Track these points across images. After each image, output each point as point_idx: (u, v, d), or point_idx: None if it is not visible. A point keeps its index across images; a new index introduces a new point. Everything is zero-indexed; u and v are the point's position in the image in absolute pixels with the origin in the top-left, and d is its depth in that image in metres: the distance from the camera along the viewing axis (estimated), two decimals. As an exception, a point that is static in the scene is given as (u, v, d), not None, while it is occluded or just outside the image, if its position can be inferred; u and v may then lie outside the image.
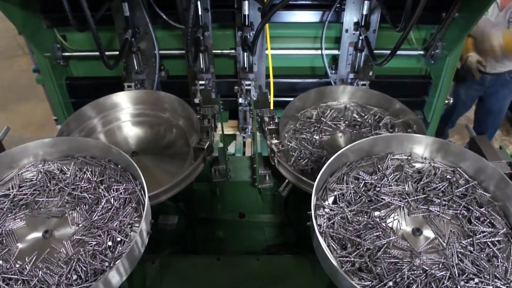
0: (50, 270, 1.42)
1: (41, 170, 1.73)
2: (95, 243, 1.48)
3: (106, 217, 1.55)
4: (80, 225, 1.55)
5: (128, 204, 1.59)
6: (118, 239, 1.48)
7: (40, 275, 1.40)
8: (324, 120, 2.30)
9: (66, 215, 1.59)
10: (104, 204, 1.59)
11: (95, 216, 1.55)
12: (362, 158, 1.73)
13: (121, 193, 1.62)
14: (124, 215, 1.54)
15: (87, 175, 1.70)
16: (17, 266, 1.43)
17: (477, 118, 4.70)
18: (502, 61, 3.96)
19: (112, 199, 1.60)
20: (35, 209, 1.62)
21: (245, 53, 2.64)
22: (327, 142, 2.21)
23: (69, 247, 1.49)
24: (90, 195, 1.63)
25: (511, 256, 1.42)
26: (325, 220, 1.51)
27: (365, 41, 2.52)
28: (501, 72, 4.06)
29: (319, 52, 2.76)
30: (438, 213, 1.55)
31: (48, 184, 1.68)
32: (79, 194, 1.64)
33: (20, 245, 1.52)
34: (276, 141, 2.03)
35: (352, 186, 1.62)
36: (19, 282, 1.39)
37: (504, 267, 1.39)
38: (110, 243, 1.47)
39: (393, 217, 1.55)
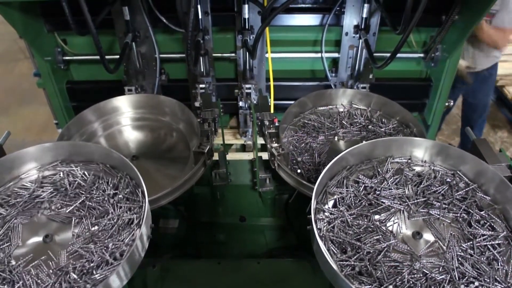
0: (37, 278, 1.41)
1: (62, 171, 1.75)
2: (85, 260, 1.44)
3: (106, 234, 1.52)
4: (80, 237, 1.53)
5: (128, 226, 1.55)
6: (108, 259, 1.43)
7: (26, 279, 1.39)
8: (324, 123, 2.31)
9: (71, 223, 1.58)
10: (108, 220, 1.56)
11: (96, 231, 1.53)
12: (362, 161, 1.73)
13: (126, 212, 1.58)
14: (122, 236, 1.50)
15: (103, 185, 1.68)
16: (11, 264, 1.44)
17: (465, 116, 4.90)
18: (480, 59, 4.15)
19: (117, 217, 1.56)
20: (46, 208, 1.63)
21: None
22: (326, 146, 2.21)
23: (64, 258, 1.47)
24: (99, 207, 1.61)
25: (511, 259, 1.42)
26: (325, 224, 1.51)
27: (365, 44, 2.53)
28: (480, 70, 4.23)
29: (319, 55, 2.76)
30: (438, 216, 1.55)
31: (64, 188, 1.68)
32: (90, 204, 1.62)
33: (20, 244, 1.53)
34: (276, 144, 2.03)
35: (352, 190, 1.62)
36: (5, 280, 1.39)
37: (504, 270, 1.39)
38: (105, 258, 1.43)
39: (393, 221, 1.55)
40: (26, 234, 1.56)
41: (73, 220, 1.58)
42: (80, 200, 1.63)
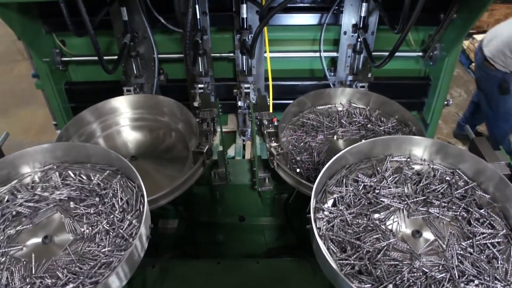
0: (11, 273, 1.40)
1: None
2: (51, 281, 1.38)
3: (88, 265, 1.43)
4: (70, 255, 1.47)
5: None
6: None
7: (2, 269, 1.40)
8: (323, 122, 2.30)
9: (72, 236, 1.54)
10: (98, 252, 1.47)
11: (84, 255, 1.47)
12: (361, 160, 1.73)
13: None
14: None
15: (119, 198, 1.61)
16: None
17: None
18: None
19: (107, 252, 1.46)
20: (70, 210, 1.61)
21: (243, 56, 2.65)
22: (326, 145, 2.21)
23: (43, 267, 1.43)
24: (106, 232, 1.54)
25: (511, 257, 1.42)
26: (324, 223, 1.50)
27: (364, 43, 2.53)
28: None
29: (317, 54, 2.76)
30: (438, 215, 1.55)
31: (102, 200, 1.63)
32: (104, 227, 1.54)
33: (20, 235, 1.53)
34: (275, 144, 2.03)
35: (351, 189, 1.61)
36: None
37: (504, 269, 1.39)
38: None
39: (393, 219, 1.55)
40: (38, 225, 1.56)
41: (75, 234, 1.54)
42: (97, 220, 1.56)
